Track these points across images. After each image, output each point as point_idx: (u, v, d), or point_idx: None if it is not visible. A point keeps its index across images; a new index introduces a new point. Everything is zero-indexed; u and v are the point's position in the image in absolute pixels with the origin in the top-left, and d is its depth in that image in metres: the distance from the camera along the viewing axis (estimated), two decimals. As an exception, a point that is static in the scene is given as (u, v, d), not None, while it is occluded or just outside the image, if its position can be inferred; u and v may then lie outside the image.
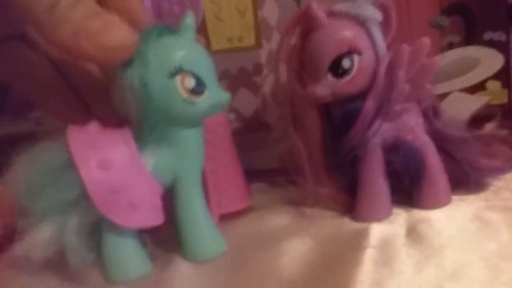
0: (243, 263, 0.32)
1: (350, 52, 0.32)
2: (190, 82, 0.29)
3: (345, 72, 0.32)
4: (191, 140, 0.31)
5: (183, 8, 0.45)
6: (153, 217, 0.30)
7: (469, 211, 0.34)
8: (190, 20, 0.30)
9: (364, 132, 0.33)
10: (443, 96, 0.40)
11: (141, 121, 0.29)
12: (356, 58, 0.32)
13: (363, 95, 0.33)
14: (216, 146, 0.37)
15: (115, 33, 0.27)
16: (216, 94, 0.30)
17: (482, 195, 0.36)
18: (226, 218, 0.37)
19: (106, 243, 0.30)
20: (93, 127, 0.30)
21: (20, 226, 0.28)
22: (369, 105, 0.33)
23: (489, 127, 0.38)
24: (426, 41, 0.32)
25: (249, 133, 0.46)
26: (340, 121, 0.34)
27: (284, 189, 0.40)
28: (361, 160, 0.35)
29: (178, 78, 0.28)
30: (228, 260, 0.32)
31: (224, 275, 0.31)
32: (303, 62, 0.35)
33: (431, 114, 0.36)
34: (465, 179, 0.36)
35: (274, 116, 0.42)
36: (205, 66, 0.30)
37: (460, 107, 0.41)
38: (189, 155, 0.31)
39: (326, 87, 0.33)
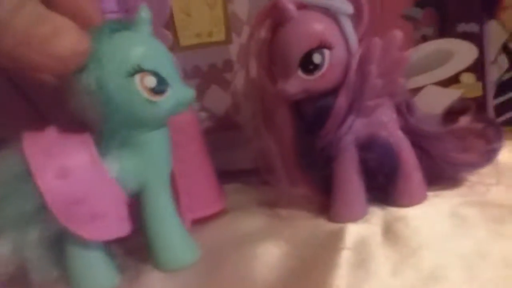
0: (217, 268, 0.31)
1: (321, 46, 0.31)
2: (151, 81, 0.27)
3: (316, 67, 0.31)
4: (156, 142, 0.29)
5: (150, 3, 0.43)
6: (119, 228, 0.29)
7: (445, 208, 0.33)
8: (145, 13, 0.28)
9: (337, 129, 0.32)
10: (417, 90, 0.40)
11: (102, 126, 0.27)
12: (327, 52, 0.31)
13: (335, 91, 0.32)
14: (186, 146, 0.35)
15: (65, 40, 0.25)
16: (179, 92, 0.28)
17: (458, 191, 0.36)
18: (198, 222, 0.36)
19: (69, 257, 0.29)
20: (50, 133, 0.27)
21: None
22: (342, 101, 0.32)
23: (463, 120, 0.38)
24: (398, 34, 0.31)
25: (220, 132, 0.45)
26: (312, 118, 0.33)
27: (258, 190, 0.40)
28: (335, 158, 0.33)
29: (137, 78, 0.26)
30: (202, 265, 0.31)
31: (197, 281, 0.30)
32: (273, 57, 0.33)
33: (404, 109, 0.35)
34: (440, 175, 0.36)
35: (246, 114, 0.41)
36: (165, 62, 0.28)
37: (434, 101, 0.41)
38: (155, 159, 0.30)
39: (296, 83, 0.32)
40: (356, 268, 0.27)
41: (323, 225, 0.34)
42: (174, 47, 0.43)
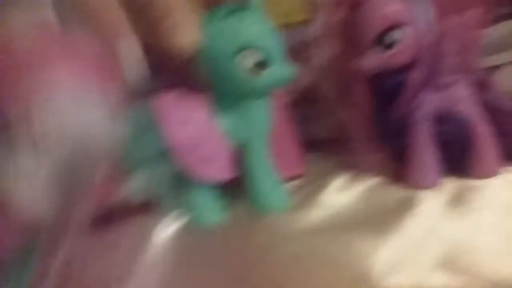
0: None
1: (398, 24, 0.33)
2: (255, 58, 0.31)
3: (393, 44, 0.34)
4: (258, 109, 0.35)
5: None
6: (225, 172, 0.35)
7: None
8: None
9: (411, 102, 0.34)
10: (495, 68, 0.40)
11: (214, 90, 0.33)
12: (404, 30, 0.33)
13: (411, 66, 0.34)
14: (274, 116, 0.40)
15: (181, 34, 0.31)
16: (281, 68, 0.32)
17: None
18: (284, 181, 0.40)
19: (186, 192, 0.35)
20: (177, 91, 0.34)
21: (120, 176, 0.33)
22: (416, 76, 0.34)
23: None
24: (475, 12, 0.32)
25: (304, 105, 0.48)
26: (388, 92, 0.36)
27: (337, 158, 0.42)
28: (410, 130, 0.36)
29: (244, 54, 0.31)
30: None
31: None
32: (352, 35, 0.36)
33: (481, 86, 0.36)
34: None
35: (327, 88, 0.44)
36: (270, 41, 0.32)
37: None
38: (256, 122, 0.35)
39: (374, 59, 0.34)
40: (421, 232, 0.30)
41: (396, 191, 0.37)
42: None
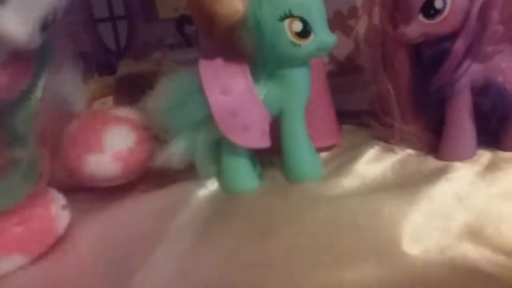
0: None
1: (443, -8, 0.33)
2: (297, 26, 0.32)
3: (437, 12, 0.34)
4: (298, 77, 0.35)
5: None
6: (262, 140, 0.36)
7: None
8: None
9: (453, 72, 0.34)
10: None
11: (256, 58, 0.34)
12: (448, -1, 0.33)
13: (454, 35, 0.34)
14: (312, 86, 0.40)
15: (225, 2, 0.31)
16: (322, 38, 0.33)
17: None
18: (317, 151, 0.41)
19: (224, 159, 0.37)
20: (218, 60, 0.35)
21: (162, 140, 0.35)
22: (460, 45, 0.34)
23: None
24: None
25: (341, 76, 0.49)
26: (430, 61, 0.36)
27: (372, 130, 0.43)
28: (449, 100, 0.36)
29: (286, 22, 0.32)
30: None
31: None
32: (396, 3, 0.36)
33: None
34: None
35: (366, 59, 0.44)
36: (314, 10, 0.33)
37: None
38: (295, 90, 0.36)
39: (417, 27, 0.35)
40: (450, 201, 0.30)
41: (431, 161, 0.37)
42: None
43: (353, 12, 0.46)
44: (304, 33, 0.32)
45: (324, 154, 0.42)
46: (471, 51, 0.34)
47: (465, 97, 0.35)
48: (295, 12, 0.32)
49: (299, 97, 0.36)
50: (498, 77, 0.35)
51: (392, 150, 0.40)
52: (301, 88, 0.36)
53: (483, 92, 0.35)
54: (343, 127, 0.47)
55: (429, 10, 0.34)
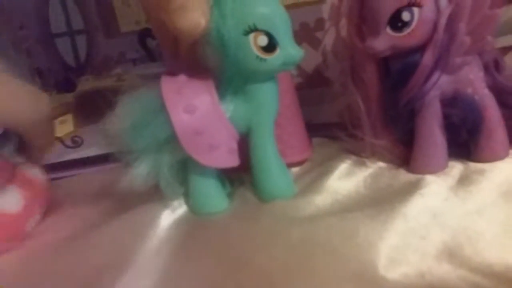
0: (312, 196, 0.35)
1: (410, 4, 0.32)
2: (263, 41, 0.31)
3: (405, 25, 0.33)
4: (265, 92, 0.34)
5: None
6: (230, 159, 0.34)
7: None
8: None
9: (422, 84, 0.34)
10: (507, 49, 0.39)
11: (221, 74, 0.32)
12: (416, 10, 0.33)
13: (422, 48, 0.34)
14: (280, 100, 0.39)
15: (187, 16, 0.30)
16: (288, 52, 0.32)
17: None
18: (288, 167, 0.39)
19: (191, 179, 0.35)
20: (181, 76, 0.33)
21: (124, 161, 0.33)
22: (428, 57, 0.33)
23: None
24: (489, -8, 0.32)
25: (310, 88, 0.48)
26: (399, 74, 0.35)
27: (343, 143, 0.42)
28: (419, 113, 0.35)
29: (251, 36, 0.31)
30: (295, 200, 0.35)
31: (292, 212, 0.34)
32: (363, 16, 0.35)
33: (492, 68, 0.36)
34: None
35: (334, 71, 0.44)
36: (279, 23, 0.31)
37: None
38: (263, 106, 0.34)
39: (385, 40, 0.34)
40: (427, 219, 0.30)
41: (403, 175, 0.37)
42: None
43: (320, 24, 0.46)
44: (270, 48, 0.31)
45: (295, 170, 0.41)
46: (440, 63, 0.33)
47: (435, 109, 0.35)
48: (260, 26, 0.30)
49: (267, 113, 0.35)
50: (467, 88, 0.35)
51: (363, 164, 0.39)
52: (269, 104, 0.34)
53: (453, 103, 0.35)
54: (313, 141, 0.46)
55: (397, 23, 0.33)
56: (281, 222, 0.32)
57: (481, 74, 0.35)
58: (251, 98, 0.33)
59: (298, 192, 0.36)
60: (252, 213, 0.34)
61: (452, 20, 0.32)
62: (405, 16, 0.33)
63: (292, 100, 0.42)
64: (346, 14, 0.37)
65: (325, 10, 0.44)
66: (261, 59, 0.31)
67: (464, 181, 0.33)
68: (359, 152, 0.40)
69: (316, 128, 0.46)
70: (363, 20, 0.36)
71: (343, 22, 0.37)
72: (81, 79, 0.67)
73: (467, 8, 0.32)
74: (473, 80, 0.35)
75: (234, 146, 0.34)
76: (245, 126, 0.34)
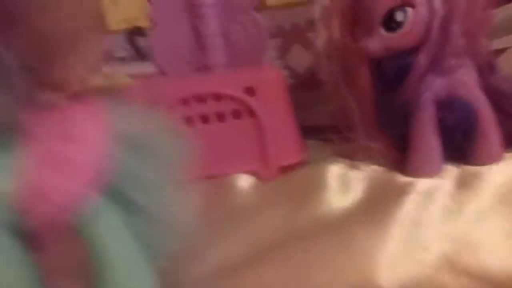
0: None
1: (404, 4, 0.32)
2: None
3: (398, 25, 0.33)
4: None
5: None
6: None
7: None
8: None
9: (416, 87, 0.34)
10: (501, 51, 0.39)
11: None
12: (410, 11, 0.32)
13: (416, 49, 0.33)
14: (273, 102, 0.38)
15: None
16: None
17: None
18: (282, 170, 0.40)
19: None
20: None
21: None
22: (422, 59, 0.33)
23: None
24: (483, -7, 0.31)
25: (302, 90, 0.47)
26: (392, 76, 0.35)
27: (336, 146, 0.41)
28: (413, 115, 0.35)
29: None
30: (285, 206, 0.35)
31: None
32: (356, 16, 0.35)
33: (486, 70, 0.35)
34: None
35: (327, 72, 0.43)
36: None
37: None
38: None
39: (378, 41, 0.33)
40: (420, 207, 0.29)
41: (397, 178, 0.36)
42: (260, 6, 0.45)
43: (311, 24, 0.45)
44: None
45: (287, 174, 0.40)
46: (434, 65, 0.33)
47: (429, 112, 0.35)
48: None
49: None
50: (461, 90, 0.34)
51: (357, 167, 0.38)
52: None
53: (447, 106, 0.34)
54: (306, 143, 0.45)
55: (390, 23, 0.33)
56: (277, 231, 0.31)
57: (475, 76, 0.35)
58: None
59: (291, 199, 0.35)
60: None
61: (446, 21, 0.32)
62: (399, 16, 0.32)
63: (284, 102, 0.41)
64: (339, 15, 0.36)
65: (317, 10, 0.44)
66: None
67: (460, 185, 0.33)
68: (353, 155, 0.40)
69: (309, 131, 0.45)
70: (355, 21, 0.35)
71: (336, 22, 0.37)
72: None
73: (461, 10, 0.31)
74: (467, 82, 0.34)
75: None
76: None
